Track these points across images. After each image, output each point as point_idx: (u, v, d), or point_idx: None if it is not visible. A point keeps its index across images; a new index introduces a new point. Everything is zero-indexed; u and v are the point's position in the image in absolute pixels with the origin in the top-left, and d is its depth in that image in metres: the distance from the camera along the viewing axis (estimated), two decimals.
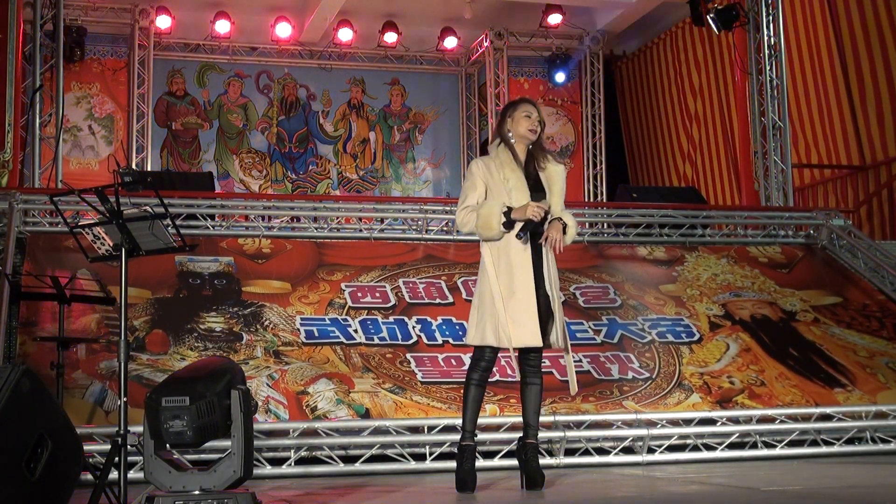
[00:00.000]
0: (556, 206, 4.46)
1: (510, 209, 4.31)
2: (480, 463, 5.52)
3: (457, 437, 5.58)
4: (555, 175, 4.51)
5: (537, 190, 4.45)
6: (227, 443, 3.74)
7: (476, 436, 4.45)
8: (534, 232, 4.35)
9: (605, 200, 12.59)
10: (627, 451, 5.88)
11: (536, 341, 4.29)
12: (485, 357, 4.38)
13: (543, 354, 4.54)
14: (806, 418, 6.25)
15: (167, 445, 3.67)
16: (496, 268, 4.35)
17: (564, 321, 4.49)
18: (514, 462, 5.57)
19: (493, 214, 4.28)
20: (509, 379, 6.39)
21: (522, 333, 4.28)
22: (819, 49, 11.43)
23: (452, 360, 6.56)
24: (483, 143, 13.35)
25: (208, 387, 3.60)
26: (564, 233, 4.37)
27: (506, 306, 4.28)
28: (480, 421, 5.72)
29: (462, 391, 4.56)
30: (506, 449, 5.62)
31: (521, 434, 4.59)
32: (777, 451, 6.06)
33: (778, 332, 7.49)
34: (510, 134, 4.50)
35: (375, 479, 5.23)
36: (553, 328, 4.38)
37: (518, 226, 4.30)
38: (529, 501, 4.21)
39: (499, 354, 4.42)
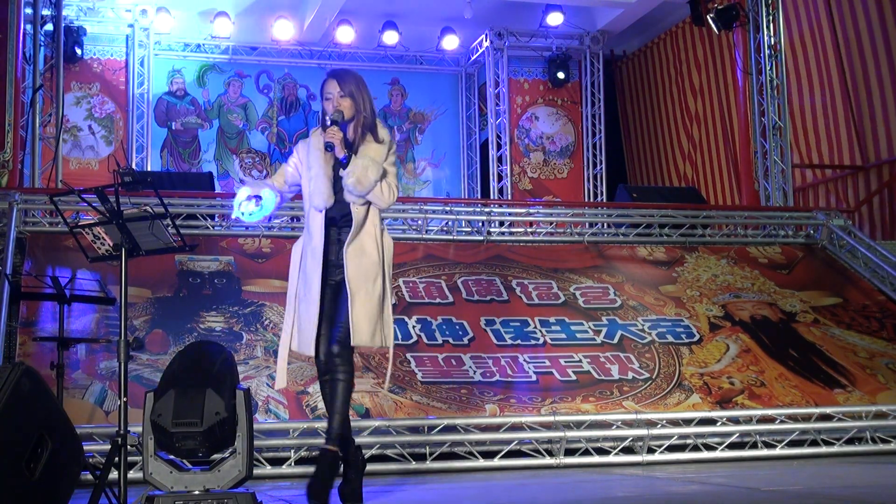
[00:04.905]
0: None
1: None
2: (480, 463, 5.54)
3: (457, 436, 5.62)
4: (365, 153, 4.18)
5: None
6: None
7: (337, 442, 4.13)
8: (339, 226, 4.28)
9: (605, 200, 12.58)
10: (627, 451, 5.88)
11: (309, 350, 4.16)
12: (318, 360, 4.23)
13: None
14: (806, 418, 6.25)
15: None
16: (298, 271, 4.36)
17: (371, 317, 4.12)
18: (514, 462, 5.60)
19: (240, 194, 4.30)
20: (509, 379, 6.40)
21: (302, 340, 4.19)
22: (819, 49, 11.43)
23: (452, 360, 6.55)
24: (483, 142, 13.35)
25: (218, 402, 3.52)
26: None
27: (297, 311, 4.25)
28: (480, 421, 5.76)
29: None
30: (506, 449, 5.61)
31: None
32: (777, 451, 6.05)
33: (778, 333, 7.49)
34: (327, 118, 4.23)
35: (375, 479, 5.23)
36: (365, 326, 4.11)
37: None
38: (530, 501, 4.20)
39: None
